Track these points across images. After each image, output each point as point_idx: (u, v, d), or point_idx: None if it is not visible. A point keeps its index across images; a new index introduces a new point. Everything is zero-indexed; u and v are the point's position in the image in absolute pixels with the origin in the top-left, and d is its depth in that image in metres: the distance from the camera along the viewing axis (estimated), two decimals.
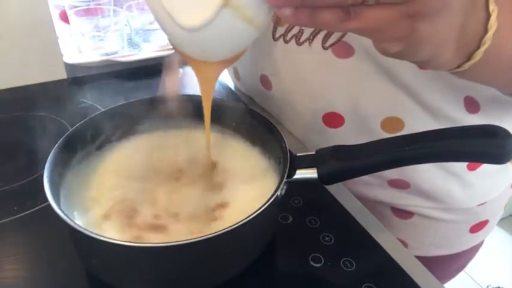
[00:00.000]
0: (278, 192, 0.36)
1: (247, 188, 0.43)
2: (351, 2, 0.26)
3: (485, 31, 0.32)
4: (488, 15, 0.32)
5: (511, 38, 0.34)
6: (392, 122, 0.51)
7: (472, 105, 0.49)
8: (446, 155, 0.38)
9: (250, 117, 0.47)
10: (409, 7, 0.27)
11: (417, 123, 0.50)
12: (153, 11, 0.29)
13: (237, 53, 0.32)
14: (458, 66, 0.35)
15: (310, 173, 0.39)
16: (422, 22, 0.28)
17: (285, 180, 0.37)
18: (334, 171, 0.39)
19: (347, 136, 0.54)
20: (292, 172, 0.38)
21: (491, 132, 0.36)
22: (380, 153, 0.38)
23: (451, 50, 0.32)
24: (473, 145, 0.37)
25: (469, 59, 0.34)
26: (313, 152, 0.40)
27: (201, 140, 0.48)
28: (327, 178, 0.39)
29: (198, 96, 0.40)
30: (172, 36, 0.30)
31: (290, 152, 0.40)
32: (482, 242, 0.66)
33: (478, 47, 0.33)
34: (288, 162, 0.38)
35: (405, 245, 0.61)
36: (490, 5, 0.32)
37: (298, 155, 0.40)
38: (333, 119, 0.53)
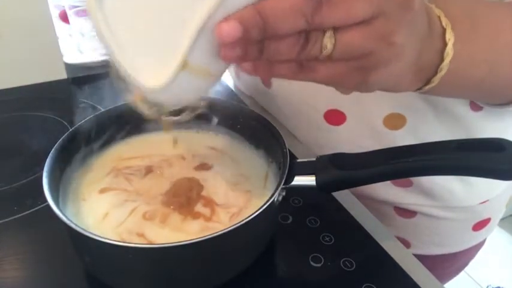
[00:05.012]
0: (275, 198, 0.36)
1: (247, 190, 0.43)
2: (303, 58, 0.27)
3: (442, 59, 0.33)
4: (445, 44, 0.33)
5: (468, 64, 0.35)
6: (394, 118, 0.51)
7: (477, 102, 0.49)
8: (450, 168, 0.37)
9: (255, 121, 0.47)
10: (359, 62, 0.28)
11: (419, 119, 0.50)
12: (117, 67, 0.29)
13: (202, 95, 0.32)
14: (419, 88, 0.36)
15: (308, 180, 0.39)
16: (374, 72, 0.29)
17: (282, 186, 0.37)
18: (333, 181, 0.38)
19: (349, 133, 0.54)
20: (290, 178, 0.38)
21: (498, 146, 0.35)
22: (382, 164, 0.37)
23: (409, 79, 0.33)
24: (478, 159, 0.35)
25: (427, 83, 0.35)
26: (314, 159, 0.40)
27: (202, 140, 0.48)
28: (325, 187, 0.38)
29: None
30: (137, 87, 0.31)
31: (290, 157, 0.39)
32: (484, 241, 0.66)
33: (436, 73, 0.34)
34: (286, 169, 0.38)
35: (408, 244, 0.61)
36: (446, 34, 0.33)
37: (298, 161, 0.40)
38: (335, 117, 0.53)
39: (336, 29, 0.26)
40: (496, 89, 0.40)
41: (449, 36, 0.32)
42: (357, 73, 0.29)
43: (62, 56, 0.75)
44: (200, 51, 0.26)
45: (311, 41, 0.27)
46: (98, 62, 0.76)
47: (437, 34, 0.33)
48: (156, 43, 0.27)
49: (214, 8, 0.24)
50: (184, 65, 0.27)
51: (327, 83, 0.30)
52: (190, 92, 0.30)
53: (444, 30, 0.33)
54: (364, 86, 0.30)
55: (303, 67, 0.29)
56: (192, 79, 0.28)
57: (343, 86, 0.31)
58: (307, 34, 0.26)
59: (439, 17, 0.33)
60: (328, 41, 0.26)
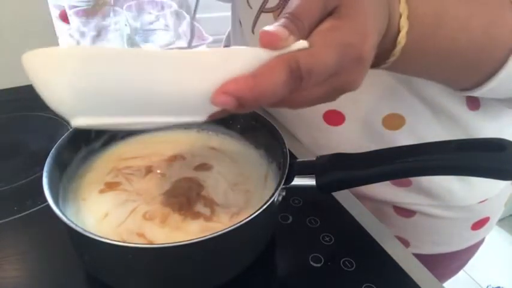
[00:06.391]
0: (275, 198, 0.36)
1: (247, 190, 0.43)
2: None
3: (394, 46, 0.33)
4: (398, 32, 0.33)
5: (419, 53, 0.35)
6: (393, 119, 0.51)
7: (473, 101, 0.49)
8: (450, 168, 0.37)
9: (255, 121, 0.47)
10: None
11: (417, 119, 0.50)
12: None
13: None
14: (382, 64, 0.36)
15: (308, 180, 0.39)
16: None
17: (282, 186, 0.37)
18: (333, 181, 0.38)
19: (348, 134, 0.54)
20: (290, 178, 0.38)
21: (498, 145, 0.35)
22: (381, 164, 0.37)
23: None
24: (478, 159, 0.35)
25: (388, 57, 0.35)
26: (314, 159, 0.40)
27: (202, 140, 0.48)
28: (325, 187, 0.39)
29: None
30: None
31: (290, 157, 0.39)
32: (483, 240, 0.66)
33: (388, 58, 0.34)
34: (286, 169, 0.38)
35: (407, 243, 0.61)
36: (400, 22, 0.33)
37: (298, 161, 0.40)
38: (334, 117, 0.53)
39: None
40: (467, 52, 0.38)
41: (403, 24, 0.32)
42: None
43: None
44: None
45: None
46: None
47: (393, 25, 0.33)
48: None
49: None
50: None
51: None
52: None
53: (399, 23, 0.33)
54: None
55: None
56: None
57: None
58: None
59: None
60: None
